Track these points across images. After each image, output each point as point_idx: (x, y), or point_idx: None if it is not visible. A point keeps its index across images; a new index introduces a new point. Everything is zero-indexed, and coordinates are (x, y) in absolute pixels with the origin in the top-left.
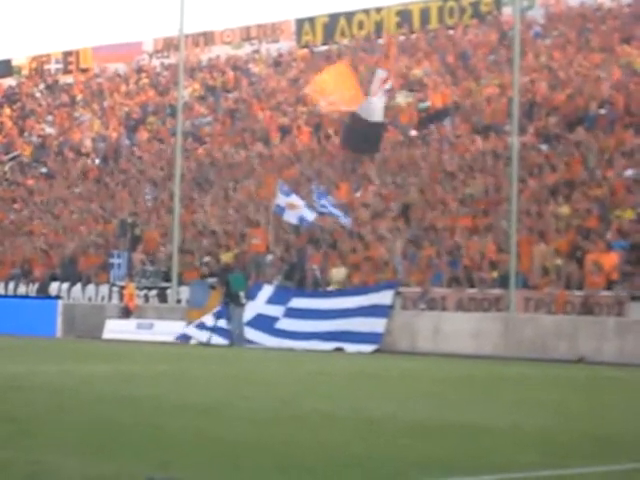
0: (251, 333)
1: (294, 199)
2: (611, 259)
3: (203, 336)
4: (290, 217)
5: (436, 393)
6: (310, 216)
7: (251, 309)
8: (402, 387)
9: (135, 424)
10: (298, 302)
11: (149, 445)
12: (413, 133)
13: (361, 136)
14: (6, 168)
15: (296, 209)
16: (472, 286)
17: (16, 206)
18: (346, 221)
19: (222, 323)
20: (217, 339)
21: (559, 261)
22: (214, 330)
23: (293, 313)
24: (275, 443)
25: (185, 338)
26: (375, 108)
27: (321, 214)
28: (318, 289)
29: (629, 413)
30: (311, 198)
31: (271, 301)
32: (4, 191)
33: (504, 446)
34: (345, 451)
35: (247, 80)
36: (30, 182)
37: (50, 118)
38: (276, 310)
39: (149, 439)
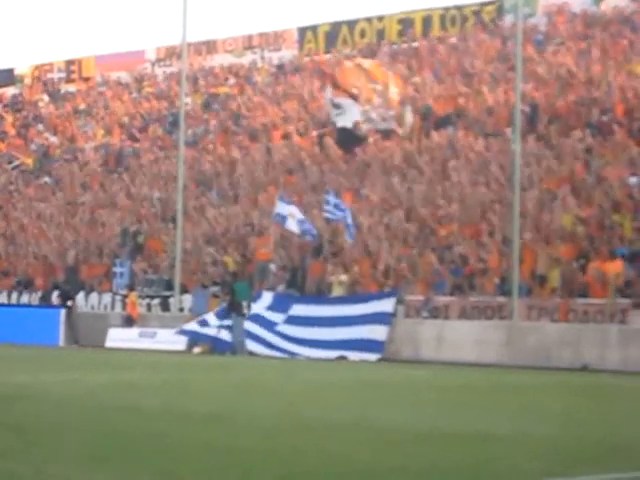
0: (250, 326)
1: (293, 209)
2: (615, 267)
3: (210, 331)
4: (292, 226)
5: (440, 401)
6: (309, 228)
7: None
8: (406, 395)
9: (139, 433)
10: (299, 309)
11: (153, 454)
12: (416, 140)
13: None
14: (9, 176)
15: (296, 219)
16: (473, 289)
17: (18, 215)
18: (350, 238)
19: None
20: (225, 334)
21: (562, 268)
22: (221, 327)
23: (294, 320)
24: (279, 452)
25: (186, 333)
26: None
27: (331, 221)
28: (320, 296)
29: (634, 421)
30: (320, 206)
31: (271, 308)
32: (6, 200)
33: (509, 454)
34: (350, 460)
35: (249, 88)
36: (33, 190)
37: (53, 127)
38: (277, 317)
39: (153, 448)
